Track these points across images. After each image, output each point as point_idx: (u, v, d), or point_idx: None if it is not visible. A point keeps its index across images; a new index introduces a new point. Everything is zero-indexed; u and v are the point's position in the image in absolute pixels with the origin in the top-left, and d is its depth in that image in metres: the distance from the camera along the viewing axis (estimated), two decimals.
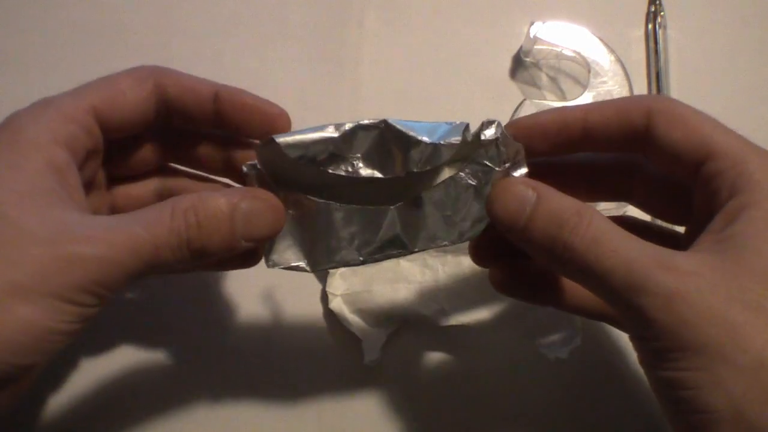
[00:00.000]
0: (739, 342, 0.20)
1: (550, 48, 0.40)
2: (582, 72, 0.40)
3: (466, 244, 0.35)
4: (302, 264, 0.27)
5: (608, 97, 0.38)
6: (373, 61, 0.41)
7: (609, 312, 0.28)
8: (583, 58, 0.39)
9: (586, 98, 0.38)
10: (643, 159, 0.26)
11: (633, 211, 0.31)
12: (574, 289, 0.28)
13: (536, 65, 0.41)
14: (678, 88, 0.41)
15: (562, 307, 0.29)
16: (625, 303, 0.22)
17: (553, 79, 0.41)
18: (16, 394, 0.24)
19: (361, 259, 0.27)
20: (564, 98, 0.40)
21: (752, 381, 0.20)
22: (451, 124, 0.25)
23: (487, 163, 0.26)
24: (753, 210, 0.22)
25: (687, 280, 0.21)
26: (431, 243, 0.27)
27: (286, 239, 0.27)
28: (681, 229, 0.28)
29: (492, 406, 0.35)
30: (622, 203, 0.36)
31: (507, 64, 0.42)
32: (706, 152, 0.23)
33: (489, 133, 0.25)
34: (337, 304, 0.35)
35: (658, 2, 0.42)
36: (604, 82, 0.39)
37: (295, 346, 0.36)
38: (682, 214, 0.27)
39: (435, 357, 0.36)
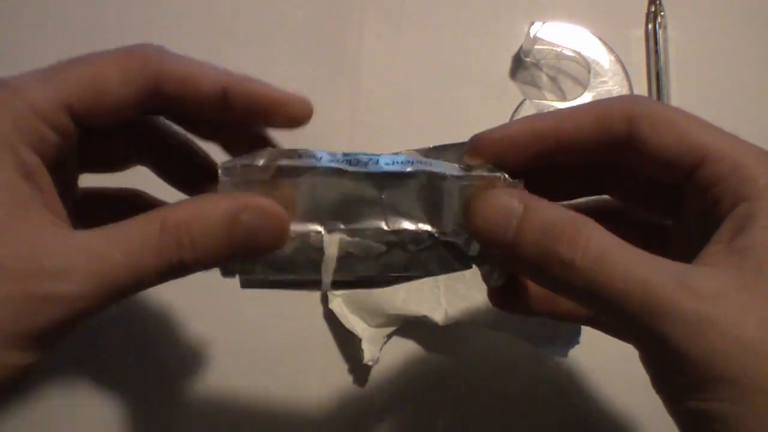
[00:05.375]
0: None
1: (550, 48, 0.40)
2: (582, 72, 0.40)
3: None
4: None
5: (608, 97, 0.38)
6: (373, 61, 0.41)
7: (598, 319, 0.27)
8: (583, 58, 0.39)
9: (586, 98, 0.38)
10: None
11: None
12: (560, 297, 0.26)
13: (536, 65, 0.41)
14: (678, 88, 0.41)
15: (549, 316, 0.27)
16: (642, 330, 0.20)
17: (553, 79, 0.41)
18: None
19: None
20: (564, 98, 0.40)
21: None
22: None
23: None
24: (764, 219, 0.20)
25: (714, 303, 0.19)
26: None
27: None
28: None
29: (492, 406, 0.35)
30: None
31: (507, 64, 0.41)
32: (699, 156, 0.22)
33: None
34: (337, 304, 0.35)
35: (658, 2, 0.42)
36: (604, 82, 0.39)
37: (296, 346, 0.36)
38: (667, 210, 0.25)
39: (435, 357, 0.36)
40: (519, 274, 0.23)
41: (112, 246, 0.20)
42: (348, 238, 0.23)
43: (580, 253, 0.20)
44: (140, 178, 0.28)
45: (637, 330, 0.20)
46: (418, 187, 0.23)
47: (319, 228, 0.23)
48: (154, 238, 0.20)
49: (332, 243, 0.23)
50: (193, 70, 0.23)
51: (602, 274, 0.20)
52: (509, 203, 0.22)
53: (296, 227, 0.23)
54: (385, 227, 0.23)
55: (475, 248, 0.23)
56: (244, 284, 0.24)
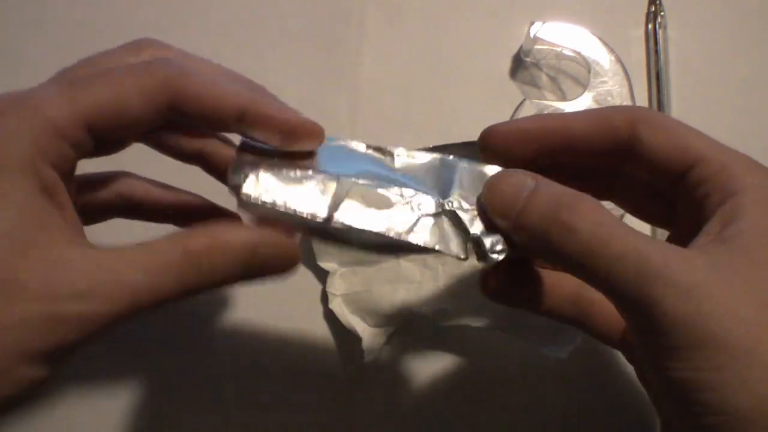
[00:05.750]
0: (763, 338, 0.19)
1: (550, 48, 0.40)
2: (582, 72, 0.40)
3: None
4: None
5: (608, 97, 0.38)
6: (373, 61, 0.41)
7: (583, 318, 0.28)
8: (583, 58, 0.39)
9: (586, 98, 0.38)
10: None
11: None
12: (549, 290, 0.27)
13: (536, 65, 0.41)
14: (678, 88, 0.41)
15: (536, 310, 0.28)
16: (633, 294, 0.21)
17: (553, 79, 0.41)
18: None
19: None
20: (564, 98, 0.40)
21: None
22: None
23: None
24: (750, 212, 0.22)
25: (704, 272, 0.20)
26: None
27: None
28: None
29: (492, 406, 0.35)
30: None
31: (507, 64, 0.41)
32: (692, 159, 0.23)
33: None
34: (337, 304, 0.35)
35: (658, 2, 0.42)
36: (604, 82, 0.39)
37: (296, 346, 0.36)
38: (663, 213, 0.26)
39: (435, 357, 0.36)
40: (520, 245, 0.24)
41: (135, 268, 0.21)
42: (361, 183, 0.25)
43: (580, 218, 0.22)
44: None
45: (628, 295, 0.21)
46: (430, 167, 0.26)
47: (335, 181, 0.25)
48: (175, 262, 0.21)
49: (347, 182, 0.25)
50: (212, 93, 0.24)
51: (600, 238, 0.21)
52: (524, 180, 0.24)
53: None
54: (397, 188, 0.25)
55: (477, 226, 0.25)
56: (244, 202, 0.24)
